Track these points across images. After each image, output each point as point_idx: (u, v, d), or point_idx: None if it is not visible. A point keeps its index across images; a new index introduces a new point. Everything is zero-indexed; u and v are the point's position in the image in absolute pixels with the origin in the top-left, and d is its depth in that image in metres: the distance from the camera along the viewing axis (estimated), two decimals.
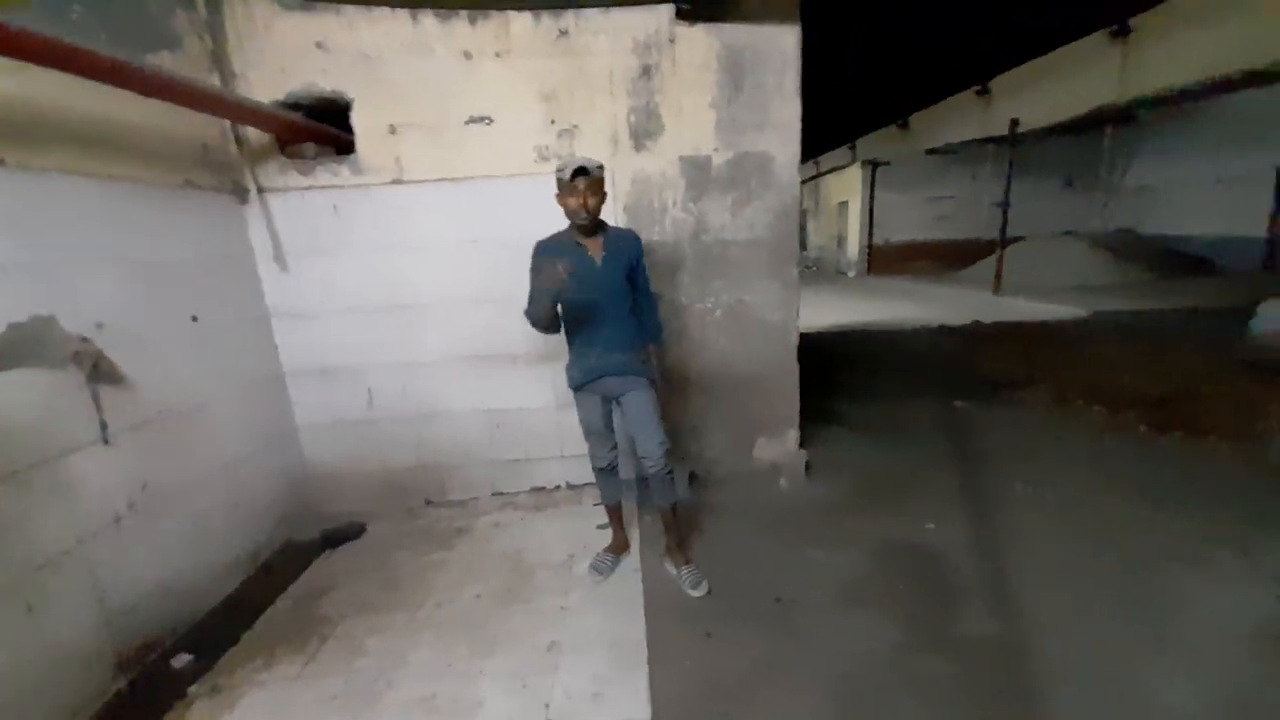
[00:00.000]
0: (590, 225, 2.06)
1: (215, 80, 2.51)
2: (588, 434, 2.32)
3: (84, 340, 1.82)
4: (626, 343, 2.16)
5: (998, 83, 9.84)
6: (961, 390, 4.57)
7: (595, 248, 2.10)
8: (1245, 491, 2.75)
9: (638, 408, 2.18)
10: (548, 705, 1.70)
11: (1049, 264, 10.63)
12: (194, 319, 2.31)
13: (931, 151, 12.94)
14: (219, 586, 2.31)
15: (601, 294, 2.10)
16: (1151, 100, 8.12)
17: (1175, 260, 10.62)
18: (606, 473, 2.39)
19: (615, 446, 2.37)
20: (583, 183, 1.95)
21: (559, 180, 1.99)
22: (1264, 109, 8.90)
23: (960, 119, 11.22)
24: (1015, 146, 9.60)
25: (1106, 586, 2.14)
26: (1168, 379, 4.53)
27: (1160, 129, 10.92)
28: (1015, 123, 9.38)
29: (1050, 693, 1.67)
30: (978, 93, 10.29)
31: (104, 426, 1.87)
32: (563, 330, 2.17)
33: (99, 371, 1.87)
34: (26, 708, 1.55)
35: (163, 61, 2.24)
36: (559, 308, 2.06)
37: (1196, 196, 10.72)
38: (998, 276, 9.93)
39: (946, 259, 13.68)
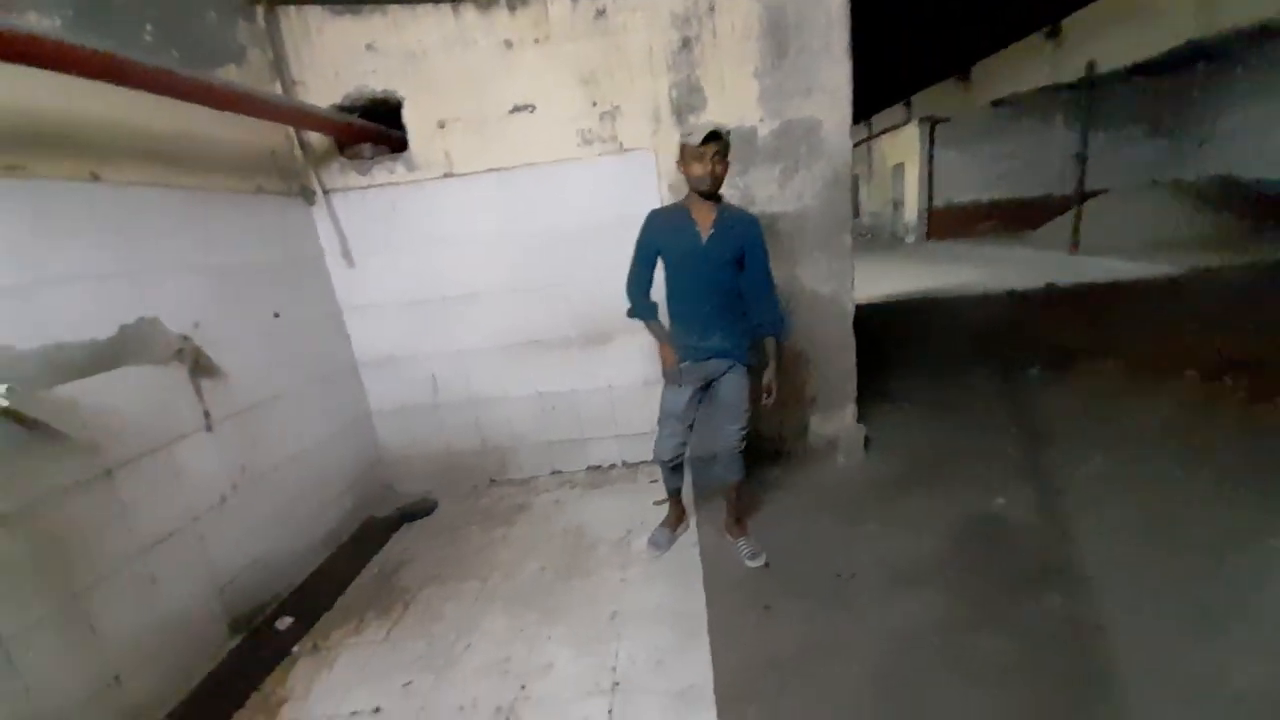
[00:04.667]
0: (711, 193, 1.98)
1: (277, 88, 2.66)
2: (665, 417, 2.24)
3: (185, 338, 2.01)
4: (729, 326, 2.10)
5: (1070, 22, 9.04)
6: (1033, 360, 4.32)
7: (706, 223, 2.02)
8: None
9: (729, 391, 2.16)
10: (614, 669, 1.79)
11: (1134, 218, 9.76)
12: (275, 315, 2.50)
13: (997, 104, 12.09)
14: (311, 558, 2.53)
15: (700, 272, 2.04)
16: (1244, 34, 7.28)
17: (1278, 207, 9.51)
18: (670, 466, 2.34)
19: (685, 442, 2.29)
20: (713, 148, 1.89)
21: (685, 146, 1.92)
22: None
23: (1028, 66, 10.38)
24: (1092, 91, 8.80)
25: (1183, 566, 2.00)
26: (1271, 341, 4.13)
27: (1258, 64, 9.71)
28: (1092, 65, 8.60)
29: (1112, 674, 1.60)
30: (1047, 35, 9.50)
31: (207, 415, 2.07)
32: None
33: (199, 366, 2.06)
34: (153, 665, 1.76)
35: (229, 74, 2.39)
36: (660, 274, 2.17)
37: None
38: (1075, 235, 9.22)
39: (1016, 219, 12.77)
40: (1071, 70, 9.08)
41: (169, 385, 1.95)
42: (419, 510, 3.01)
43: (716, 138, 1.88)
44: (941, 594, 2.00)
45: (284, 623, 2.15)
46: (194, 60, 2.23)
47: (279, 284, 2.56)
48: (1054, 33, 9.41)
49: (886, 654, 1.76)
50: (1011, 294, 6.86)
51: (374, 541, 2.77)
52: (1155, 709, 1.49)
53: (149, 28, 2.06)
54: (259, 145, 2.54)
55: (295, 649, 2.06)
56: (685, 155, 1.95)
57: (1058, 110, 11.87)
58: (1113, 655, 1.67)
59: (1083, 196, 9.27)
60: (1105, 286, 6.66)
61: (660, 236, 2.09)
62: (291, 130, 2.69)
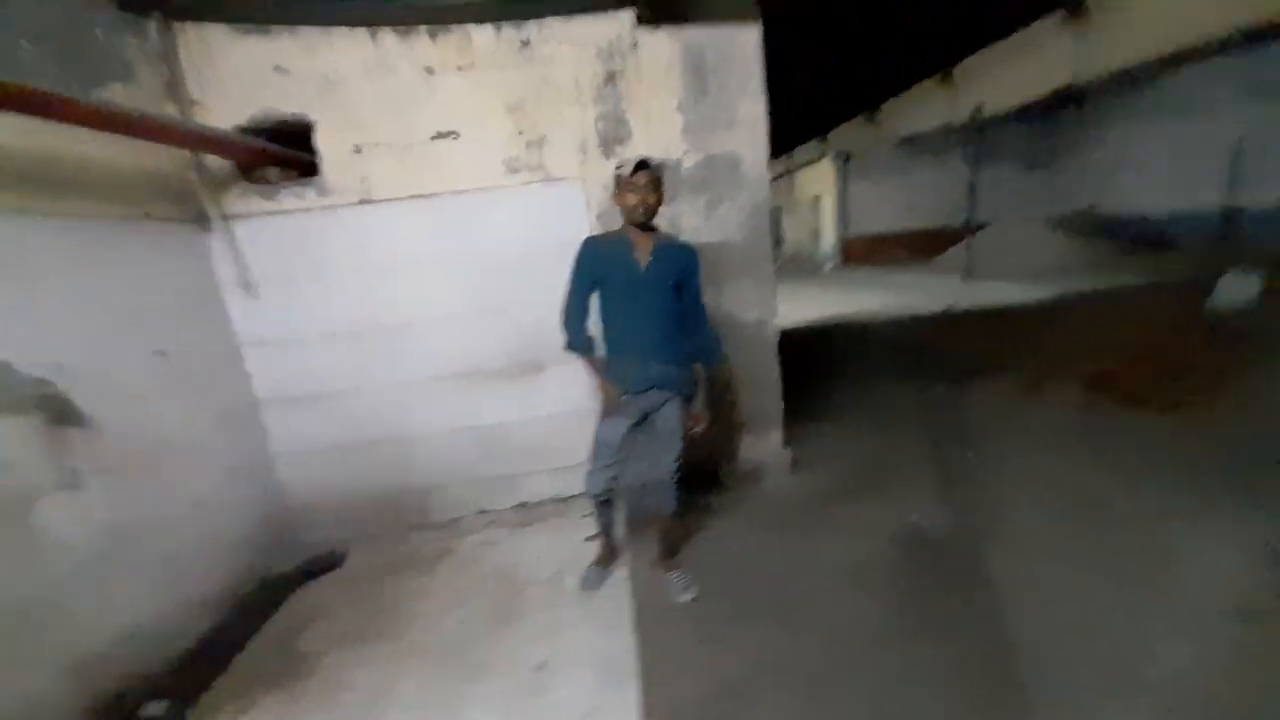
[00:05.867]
0: (646, 222, 2.00)
1: (172, 108, 2.45)
2: (600, 447, 2.18)
3: (43, 382, 1.76)
4: (668, 355, 2.09)
5: (960, 70, 10.05)
6: (939, 377, 4.62)
7: (644, 251, 2.02)
8: (1217, 459, 2.80)
9: (667, 422, 2.14)
10: None
11: (1016, 247, 10.81)
12: (159, 353, 2.25)
13: (901, 142, 13.15)
14: (193, 626, 2.22)
15: (642, 300, 2.03)
16: (1107, 81, 8.38)
17: (1135, 237, 10.86)
18: (601, 501, 2.30)
19: (617, 476, 2.24)
20: (643, 177, 1.92)
21: (618, 178, 1.97)
22: (1212, 84, 9.16)
23: (926, 108, 11.44)
24: (980, 132, 9.76)
25: (1089, 560, 2.18)
26: (1137, 354, 4.63)
27: (1115, 109, 11.18)
28: (979, 108, 9.56)
29: (1042, 664, 1.71)
30: (941, 79, 10.51)
31: (70, 470, 1.81)
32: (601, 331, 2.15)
33: (62, 414, 1.81)
34: None
35: (114, 93, 2.17)
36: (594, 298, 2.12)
37: (1152, 174, 10.98)
38: (968, 262, 10.08)
39: (920, 248, 13.82)
40: (962, 113, 10.04)
41: (24, 438, 1.70)
42: (325, 563, 2.75)
43: (646, 166, 1.92)
44: (872, 607, 2.05)
45: (153, 708, 1.85)
46: (75, 77, 2.03)
47: (164, 318, 2.31)
48: (947, 76, 10.41)
49: (823, 673, 1.77)
50: (917, 317, 7.37)
51: (270, 602, 2.49)
52: (1094, 699, 1.59)
53: (24, 44, 1.86)
54: (146, 168, 2.31)
55: None
56: (619, 186, 1.98)
57: (954, 149, 13.06)
58: (1039, 645, 1.78)
59: (973, 228, 10.17)
60: (996, 309, 7.29)
61: (599, 265, 2.06)
62: (187, 153, 2.48)
